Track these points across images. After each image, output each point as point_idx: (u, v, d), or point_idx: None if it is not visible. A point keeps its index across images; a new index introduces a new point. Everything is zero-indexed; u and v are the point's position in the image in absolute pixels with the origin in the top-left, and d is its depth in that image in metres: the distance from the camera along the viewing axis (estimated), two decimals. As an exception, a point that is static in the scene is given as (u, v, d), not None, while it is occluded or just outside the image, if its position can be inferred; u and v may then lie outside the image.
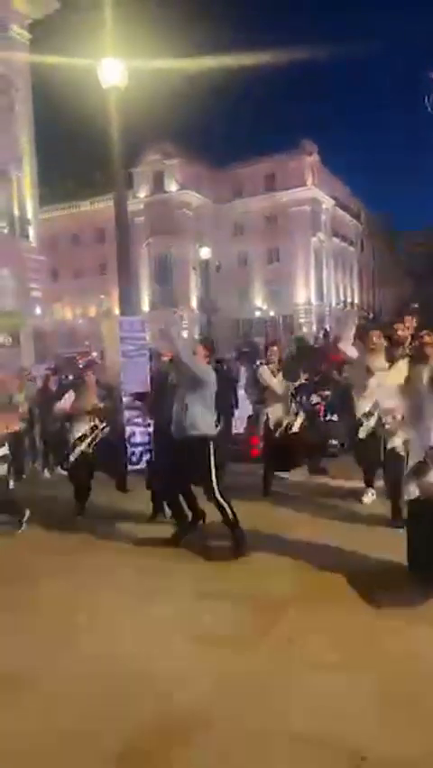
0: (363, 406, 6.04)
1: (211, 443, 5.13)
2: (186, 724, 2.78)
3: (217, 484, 5.09)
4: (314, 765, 2.48)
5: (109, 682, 3.20)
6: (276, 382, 7.12)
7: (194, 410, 5.10)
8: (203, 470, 5.08)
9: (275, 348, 7.66)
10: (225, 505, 5.08)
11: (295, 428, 7.11)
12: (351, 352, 6.30)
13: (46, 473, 9.46)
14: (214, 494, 5.06)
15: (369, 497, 6.44)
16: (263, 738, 2.65)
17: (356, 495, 6.59)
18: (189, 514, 5.56)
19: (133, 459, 8.27)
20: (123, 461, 7.32)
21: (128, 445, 8.12)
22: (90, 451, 6.73)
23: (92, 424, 6.79)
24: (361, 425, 5.96)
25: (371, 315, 37.08)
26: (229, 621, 3.83)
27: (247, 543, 5.04)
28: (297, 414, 7.26)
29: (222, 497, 5.09)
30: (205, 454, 5.08)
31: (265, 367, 7.36)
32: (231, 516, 5.07)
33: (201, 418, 5.12)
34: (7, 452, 6.34)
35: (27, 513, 6.24)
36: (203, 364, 5.32)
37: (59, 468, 9.49)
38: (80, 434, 6.77)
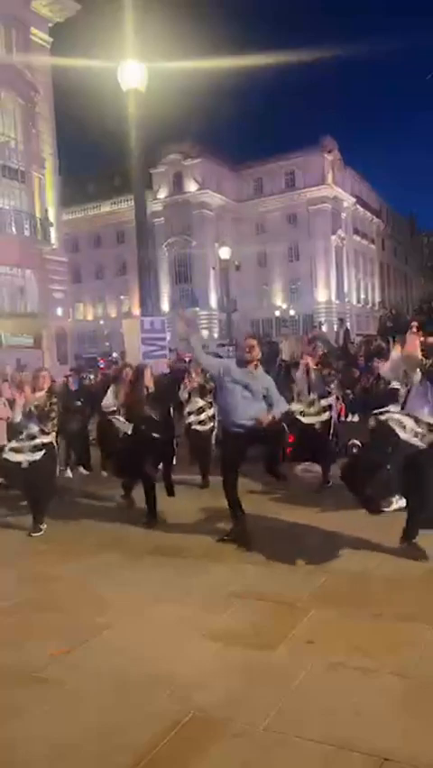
0: None
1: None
2: (205, 727, 2.79)
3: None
4: (335, 768, 2.47)
5: (130, 682, 3.22)
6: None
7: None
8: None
9: (318, 343, 7.70)
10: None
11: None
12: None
13: (68, 473, 9.55)
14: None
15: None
16: (284, 741, 2.65)
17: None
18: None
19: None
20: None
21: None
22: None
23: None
24: None
25: (393, 313, 36.76)
26: (249, 622, 3.83)
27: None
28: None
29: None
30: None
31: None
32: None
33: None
34: (53, 440, 6.36)
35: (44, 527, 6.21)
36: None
37: (81, 468, 9.60)
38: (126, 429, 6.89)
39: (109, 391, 7.17)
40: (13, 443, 6.23)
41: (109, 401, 7.06)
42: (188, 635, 3.68)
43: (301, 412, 7.21)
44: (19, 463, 6.08)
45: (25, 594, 4.60)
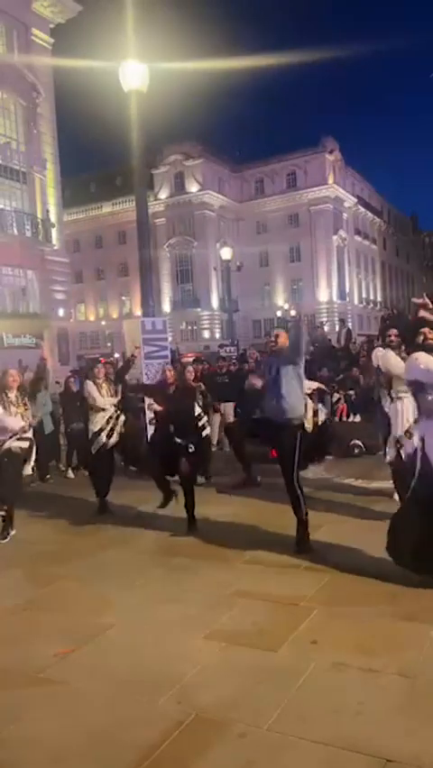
0: None
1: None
2: (209, 727, 2.79)
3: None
4: (338, 768, 2.47)
5: (133, 682, 3.22)
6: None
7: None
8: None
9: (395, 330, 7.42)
10: (300, 494, 5.11)
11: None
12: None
13: (70, 473, 9.56)
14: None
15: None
16: (287, 742, 2.64)
17: (381, 495, 6.54)
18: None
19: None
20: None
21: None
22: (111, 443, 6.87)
23: (107, 416, 6.92)
24: None
25: (394, 312, 36.74)
26: (252, 622, 3.83)
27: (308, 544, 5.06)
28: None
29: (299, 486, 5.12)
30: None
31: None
32: (302, 508, 5.09)
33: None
34: (30, 437, 6.33)
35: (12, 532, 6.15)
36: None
37: (83, 468, 9.60)
38: (98, 429, 6.88)
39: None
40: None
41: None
42: (191, 635, 3.68)
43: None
44: None
45: (29, 594, 4.61)
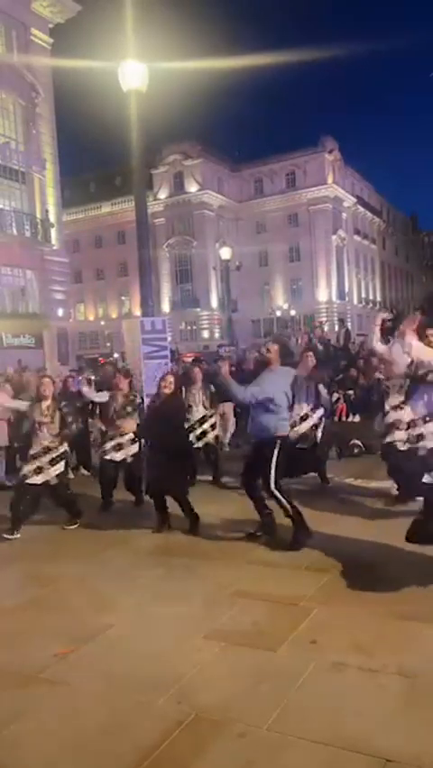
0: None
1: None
2: (209, 726, 2.79)
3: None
4: (338, 768, 2.47)
5: (133, 682, 3.22)
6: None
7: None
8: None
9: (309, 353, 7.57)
10: (282, 499, 5.25)
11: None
12: (380, 348, 6.33)
13: (69, 474, 9.54)
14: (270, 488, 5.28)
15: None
16: (287, 742, 2.65)
17: (380, 494, 6.55)
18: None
19: None
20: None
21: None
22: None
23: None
24: None
25: (394, 312, 36.82)
26: (252, 622, 3.83)
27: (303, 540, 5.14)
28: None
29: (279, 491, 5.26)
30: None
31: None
32: (288, 508, 5.23)
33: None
34: (67, 449, 6.44)
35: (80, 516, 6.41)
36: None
37: (82, 469, 9.60)
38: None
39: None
40: (32, 465, 6.14)
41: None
42: (191, 635, 3.68)
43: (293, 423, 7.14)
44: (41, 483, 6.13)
45: (29, 594, 4.61)
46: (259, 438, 5.46)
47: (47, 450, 6.13)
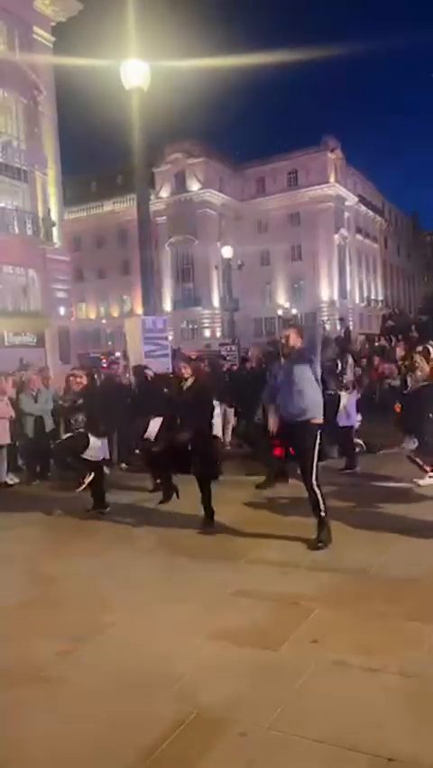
0: None
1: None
2: (210, 726, 2.79)
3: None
4: None
5: (134, 681, 3.22)
6: None
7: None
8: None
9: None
10: (319, 494, 5.13)
11: None
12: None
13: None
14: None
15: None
16: (288, 741, 2.64)
17: (382, 494, 6.55)
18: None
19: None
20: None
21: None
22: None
23: None
24: None
25: (396, 311, 36.71)
26: (253, 621, 3.83)
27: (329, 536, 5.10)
28: None
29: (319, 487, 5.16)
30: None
31: None
32: (321, 504, 5.12)
33: None
34: (102, 444, 6.66)
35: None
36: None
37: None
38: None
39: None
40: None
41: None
42: (192, 634, 3.68)
43: None
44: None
45: (31, 592, 4.61)
46: (299, 420, 5.16)
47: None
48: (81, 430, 6.39)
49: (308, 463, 5.09)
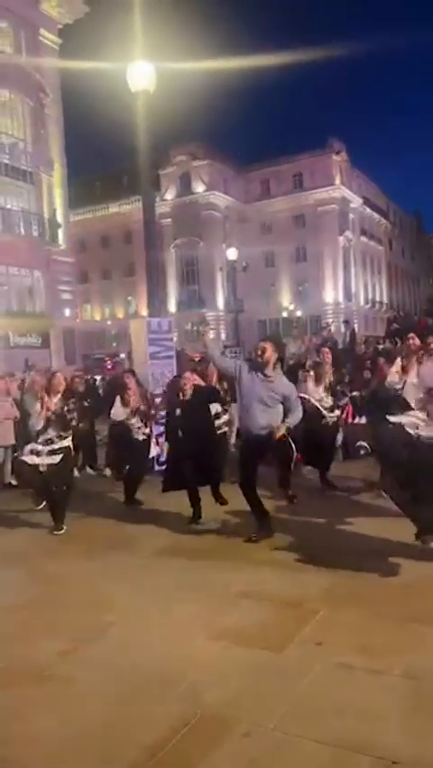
0: None
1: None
2: (214, 726, 2.79)
3: None
4: (343, 769, 2.47)
5: (138, 681, 3.22)
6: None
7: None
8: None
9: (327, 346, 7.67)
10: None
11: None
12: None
13: (75, 473, 9.56)
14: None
15: None
16: (292, 742, 2.64)
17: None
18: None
19: (161, 459, 8.32)
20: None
21: (155, 445, 8.18)
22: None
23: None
24: None
25: (401, 314, 36.66)
26: (258, 622, 3.83)
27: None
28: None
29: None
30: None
31: None
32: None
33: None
34: (69, 444, 6.33)
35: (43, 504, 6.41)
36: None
37: (88, 468, 9.62)
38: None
39: (117, 401, 7.19)
40: (32, 446, 6.16)
41: (118, 411, 7.09)
42: (196, 635, 3.68)
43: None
44: (36, 466, 6.07)
45: (34, 592, 4.62)
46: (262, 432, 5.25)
47: (49, 442, 6.13)
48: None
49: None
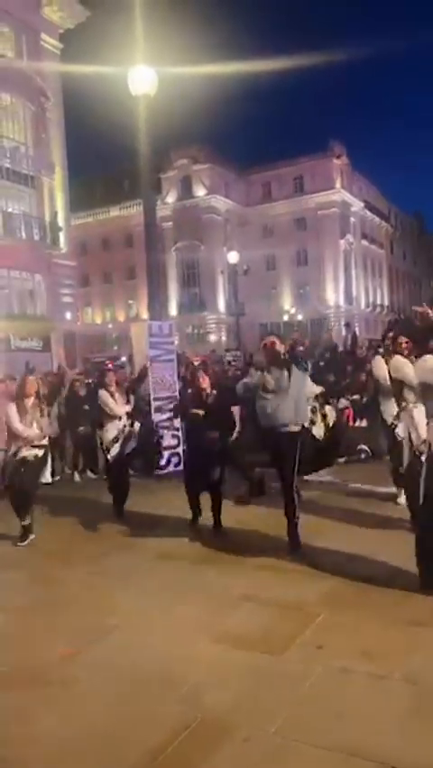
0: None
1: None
2: (214, 730, 2.78)
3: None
4: (344, 773, 2.46)
5: (139, 685, 3.22)
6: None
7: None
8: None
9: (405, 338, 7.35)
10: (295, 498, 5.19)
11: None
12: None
13: (76, 477, 9.57)
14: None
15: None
16: (292, 747, 2.64)
17: (389, 499, 6.52)
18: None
19: (162, 462, 8.32)
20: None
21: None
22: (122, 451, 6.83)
23: (122, 424, 6.86)
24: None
25: (402, 317, 36.65)
26: (258, 626, 3.83)
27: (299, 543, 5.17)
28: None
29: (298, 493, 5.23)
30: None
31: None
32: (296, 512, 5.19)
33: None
34: (45, 443, 6.27)
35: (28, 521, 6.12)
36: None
37: (89, 472, 9.62)
38: (114, 437, 6.83)
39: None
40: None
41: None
42: (196, 638, 3.68)
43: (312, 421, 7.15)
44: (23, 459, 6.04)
45: (35, 596, 4.63)
46: (281, 431, 5.16)
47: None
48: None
49: (289, 471, 5.16)
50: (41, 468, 6.23)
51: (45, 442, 6.26)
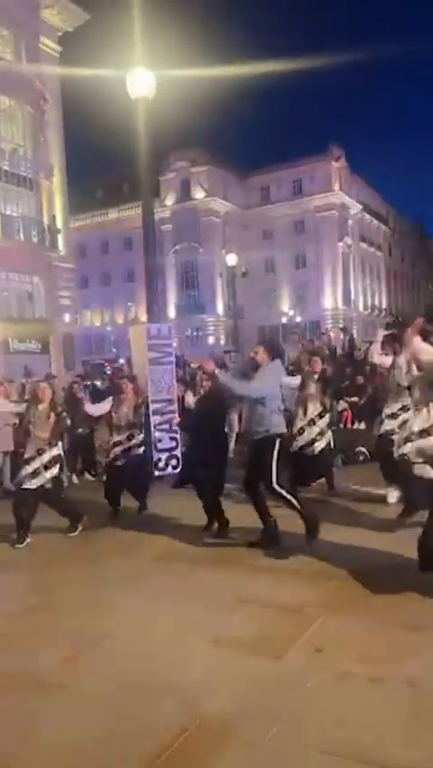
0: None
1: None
2: (212, 734, 2.77)
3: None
4: (343, 778, 2.45)
5: (137, 688, 3.20)
6: None
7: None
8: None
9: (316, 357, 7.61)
10: (287, 495, 5.20)
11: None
12: (381, 360, 6.38)
13: (74, 479, 9.56)
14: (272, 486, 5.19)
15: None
16: (291, 751, 2.62)
17: (386, 502, 6.52)
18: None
19: (160, 465, 8.31)
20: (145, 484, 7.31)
21: (155, 451, 8.17)
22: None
23: (127, 434, 6.93)
24: None
25: (399, 320, 36.73)
26: (257, 629, 3.81)
27: (318, 528, 5.17)
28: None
29: (282, 488, 5.21)
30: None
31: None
32: (296, 504, 5.19)
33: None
34: (61, 452, 6.30)
35: (84, 519, 6.33)
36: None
37: (86, 474, 9.61)
38: (115, 441, 6.92)
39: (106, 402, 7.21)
40: (29, 468, 6.08)
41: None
42: (194, 642, 3.67)
43: (301, 429, 7.14)
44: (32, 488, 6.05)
45: (33, 599, 4.61)
46: (257, 437, 5.30)
47: (40, 452, 6.06)
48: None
49: (267, 472, 5.18)
50: (61, 488, 6.36)
51: (57, 451, 6.21)
